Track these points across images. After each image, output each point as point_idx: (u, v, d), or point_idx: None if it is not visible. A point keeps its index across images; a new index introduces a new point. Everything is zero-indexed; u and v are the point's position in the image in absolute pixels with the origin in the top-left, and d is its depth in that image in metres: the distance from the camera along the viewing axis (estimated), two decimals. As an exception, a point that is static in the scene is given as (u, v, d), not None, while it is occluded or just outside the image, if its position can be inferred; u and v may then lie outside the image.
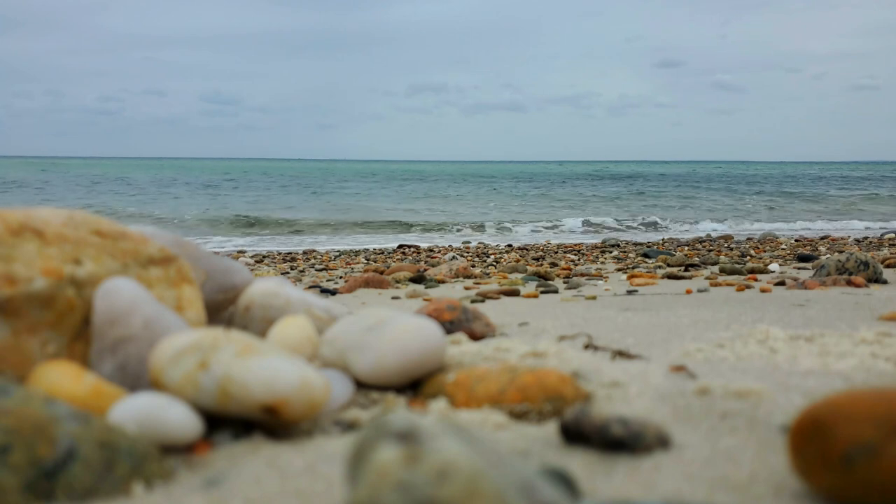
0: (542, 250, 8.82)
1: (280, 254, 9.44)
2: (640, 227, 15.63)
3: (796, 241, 9.77)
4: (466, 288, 4.21)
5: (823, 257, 5.92)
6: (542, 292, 3.70)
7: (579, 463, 0.93)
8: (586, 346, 1.66)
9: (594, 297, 3.21)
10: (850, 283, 3.33)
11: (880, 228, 13.06)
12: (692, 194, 26.53)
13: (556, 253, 8.24)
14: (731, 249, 8.08)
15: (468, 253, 8.59)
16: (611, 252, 8.06)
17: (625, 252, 7.94)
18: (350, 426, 1.12)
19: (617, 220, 16.47)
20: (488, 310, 2.62)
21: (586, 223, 16.00)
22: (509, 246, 10.08)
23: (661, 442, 0.97)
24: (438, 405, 1.18)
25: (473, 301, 3.15)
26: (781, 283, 3.64)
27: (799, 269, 5.22)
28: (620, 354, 1.58)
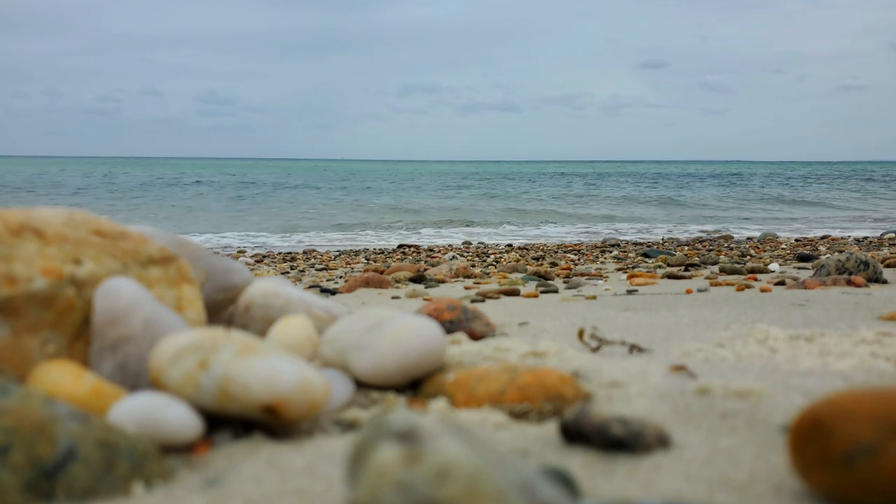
0: (542, 250, 8.82)
1: (280, 254, 9.44)
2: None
3: (796, 240, 9.78)
4: (466, 288, 4.21)
5: (823, 257, 5.92)
6: (542, 292, 3.70)
7: (579, 463, 0.93)
8: (594, 350, 1.66)
9: (594, 297, 3.21)
10: (850, 282, 3.33)
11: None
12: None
13: (556, 253, 8.24)
14: (731, 249, 8.08)
15: (468, 253, 8.59)
16: (611, 252, 8.06)
17: (625, 252, 7.94)
18: (350, 426, 1.12)
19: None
20: (488, 309, 2.62)
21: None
22: (509, 245, 10.08)
23: (661, 442, 0.97)
24: (438, 405, 1.18)
25: (473, 301, 3.15)
26: (781, 283, 3.64)
27: (799, 268, 5.22)
28: (634, 348, 1.59)
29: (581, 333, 1.71)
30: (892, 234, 10.29)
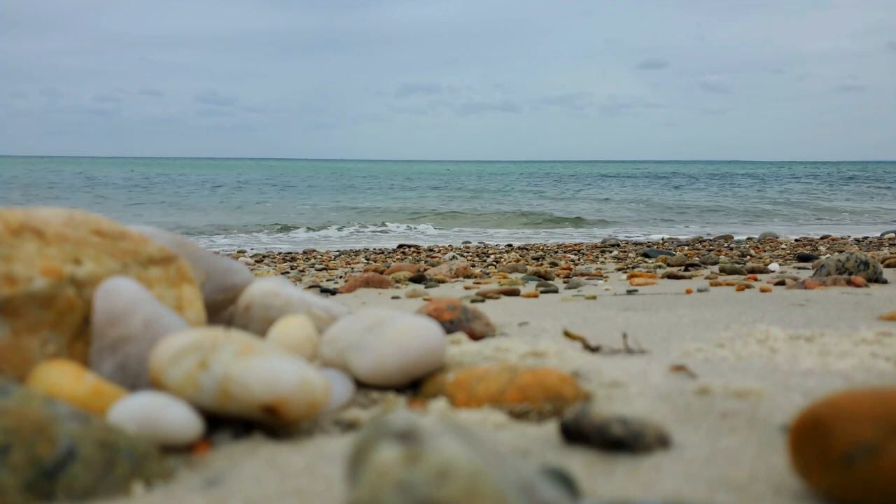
0: (542, 250, 8.82)
1: (280, 253, 9.45)
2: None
3: (796, 240, 9.78)
4: (466, 288, 4.21)
5: (823, 257, 5.92)
6: (542, 292, 3.70)
7: (579, 463, 0.93)
8: (594, 350, 1.66)
9: (594, 297, 3.21)
10: (850, 282, 3.33)
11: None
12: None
13: (556, 253, 8.24)
14: (731, 249, 8.08)
15: (468, 253, 8.59)
16: (611, 252, 8.06)
17: (625, 252, 7.94)
18: (350, 426, 1.12)
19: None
20: (488, 309, 2.62)
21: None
22: (509, 246, 10.08)
23: (661, 442, 0.97)
24: (438, 405, 1.18)
25: (473, 301, 3.15)
26: (781, 283, 3.63)
27: (799, 268, 5.22)
28: (630, 351, 1.58)
29: (566, 333, 1.71)
30: (892, 234, 10.29)
